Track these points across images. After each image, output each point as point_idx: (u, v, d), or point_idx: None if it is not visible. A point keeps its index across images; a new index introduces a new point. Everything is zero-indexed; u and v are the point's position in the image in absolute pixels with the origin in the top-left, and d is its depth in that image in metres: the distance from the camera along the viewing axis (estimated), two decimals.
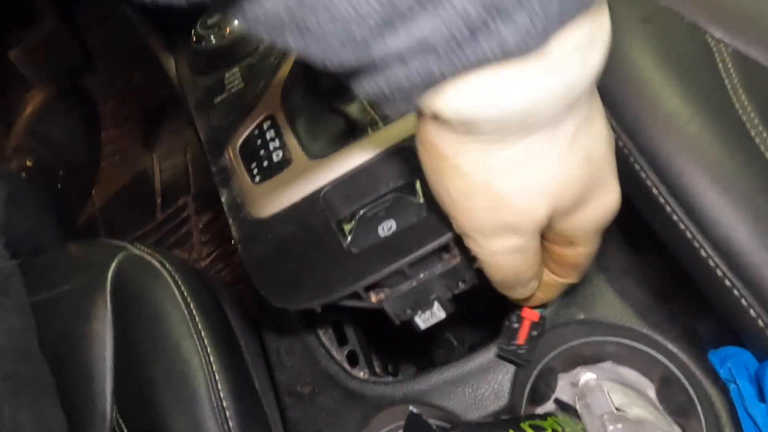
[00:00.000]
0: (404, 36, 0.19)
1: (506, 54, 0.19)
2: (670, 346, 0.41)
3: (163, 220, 1.11)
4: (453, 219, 0.27)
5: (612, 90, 0.42)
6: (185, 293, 0.47)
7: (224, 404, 0.42)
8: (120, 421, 0.47)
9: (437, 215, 0.35)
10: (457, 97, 0.21)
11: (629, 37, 0.43)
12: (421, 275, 0.35)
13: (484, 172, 0.24)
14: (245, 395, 0.44)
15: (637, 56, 0.42)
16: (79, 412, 0.49)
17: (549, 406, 0.46)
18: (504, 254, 0.28)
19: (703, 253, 0.37)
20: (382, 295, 0.35)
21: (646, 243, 0.44)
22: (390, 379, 0.44)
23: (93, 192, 1.15)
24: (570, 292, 0.43)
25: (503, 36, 0.19)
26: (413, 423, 0.36)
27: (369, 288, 0.35)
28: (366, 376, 0.45)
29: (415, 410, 0.36)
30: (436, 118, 0.22)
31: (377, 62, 0.20)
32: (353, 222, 0.37)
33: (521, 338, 0.39)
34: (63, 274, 0.54)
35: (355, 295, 0.34)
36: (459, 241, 0.35)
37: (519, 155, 0.23)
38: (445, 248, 0.34)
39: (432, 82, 0.20)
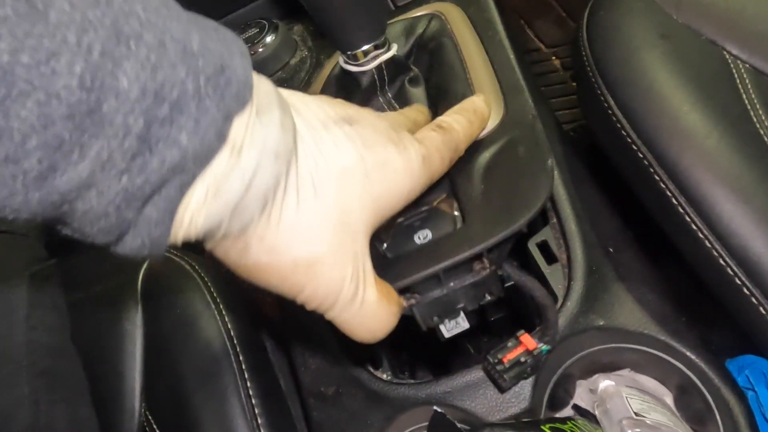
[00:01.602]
0: (79, 169, 0.19)
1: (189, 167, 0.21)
2: (689, 353, 0.42)
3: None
4: (301, 301, 0.28)
5: (632, 104, 0.43)
6: (215, 294, 0.49)
7: (253, 402, 0.43)
8: (149, 417, 0.49)
9: (472, 226, 0.36)
10: (201, 208, 0.22)
11: (649, 53, 0.45)
12: (452, 284, 0.36)
13: (276, 254, 0.25)
14: (273, 394, 0.46)
15: (657, 72, 0.44)
16: (108, 409, 0.51)
17: (567, 411, 0.47)
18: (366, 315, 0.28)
19: (721, 261, 0.38)
20: (413, 301, 0.36)
21: (665, 252, 0.45)
22: (412, 381, 0.45)
23: None
24: (590, 299, 0.44)
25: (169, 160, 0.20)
26: (437, 422, 0.37)
27: (402, 292, 0.36)
28: (389, 378, 0.46)
29: (439, 410, 0.37)
30: (206, 242, 0.24)
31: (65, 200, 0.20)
32: (390, 230, 0.39)
33: (507, 357, 0.40)
34: (96, 275, 0.56)
35: None
36: (490, 253, 0.36)
37: (292, 210, 0.24)
38: (477, 258, 0.36)
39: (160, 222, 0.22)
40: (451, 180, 0.39)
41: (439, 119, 0.35)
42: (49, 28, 0.17)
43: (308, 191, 0.25)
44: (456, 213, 0.38)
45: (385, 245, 0.38)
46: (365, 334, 0.30)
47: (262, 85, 0.24)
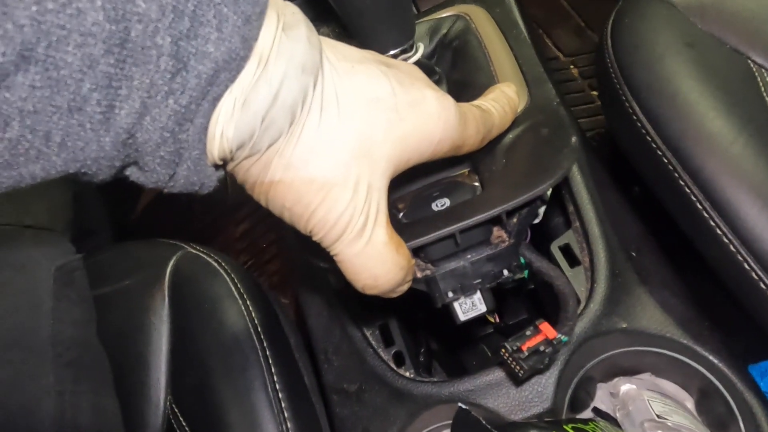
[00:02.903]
0: (131, 99, 0.20)
1: (217, 71, 0.21)
2: (711, 357, 0.42)
3: (200, 228, 1.15)
4: (310, 229, 0.27)
5: (657, 110, 0.44)
6: (242, 290, 0.50)
7: (280, 396, 0.44)
8: (175, 409, 0.49)
9: (492, 192, 0.36)
10: (230, 120, 0.22)
11: (674, 60, 0.45)
12: (469, 255, 0.35)
13: (292, 170, 0.25)
14: (298, 389, 0.46)
15: (682, 79, 0.44)
16: (133, 401, 0.52)
17: (587, 414, 0.47)
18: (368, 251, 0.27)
19: (746, 266, 0.39)
20: (427, 272, 0.36)
21: (688, 256, 0.45)
22: (436, 379, 0.45)
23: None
24: (612, 302, 0.45)
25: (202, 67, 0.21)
26: (462, 419, 0.37)
27: (417, 255, 0.35)
28: (412, 375, 0.46)
29: (464, 406, 0.37)
30: (233, 160, 0.24)
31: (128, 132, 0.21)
32: (407, 199, 0.38)
33: (526, 345, 0.39)
34: (123, 270, 0.57)
35: None
36: (509, 218, 0.36)
37: (317, 126, 0.25)
38: (496, 225, 0.35)
39: (189, 129, 0.22)
40: (472, 157, 0.38)
41: (477, 101, 0.35)
42: None
43: (332, 111, 0.25)
44: (476, 183, 0.38)
45: (401, 213, 0.37)
46: (367, 278, 0.28)
47: (288, 6, 0.24)
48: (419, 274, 0.36)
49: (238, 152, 0.24)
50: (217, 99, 0.22)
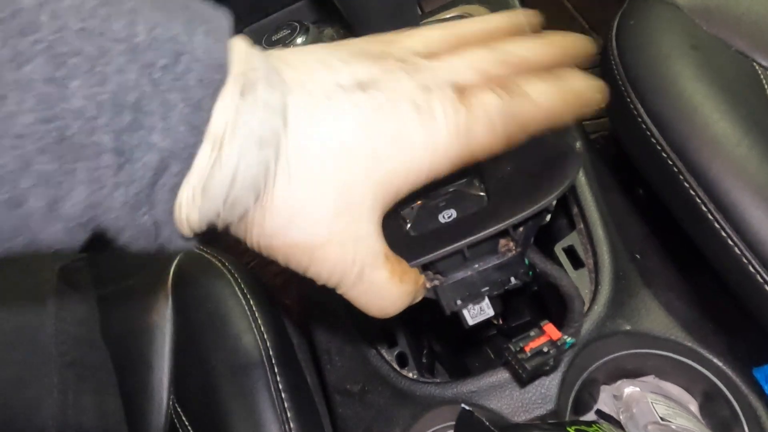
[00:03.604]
0: (76, 195, 0.19)
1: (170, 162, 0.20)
2: (715, 360, 0.42)
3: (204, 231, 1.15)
4: (309, 277, 0.26)
5: (663, 112, 0.44)
6: (245, 290, 0.50)
7: (283, 396, 0.44)
8: (178, 409, 0.49)
9: (498, 204, 0.36)
10: (192, 205, 0.21)
11: (679, 63, 0.45)
12: (476, 265, 0.36)
13: (272, 238, 0.24)
14: (301, 390, 0.46)
15: (687, 81, 0.44)
16: (136, 400, 0.52)
17: (591, 416, 0.47)
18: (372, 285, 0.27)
19: (751, 268, 0.39)
20: (436, 282, 0.36)
21: (692, 258, 0.45)
22: (439, 380, 0.45)
23: None
24: (616, 304, 0.45)
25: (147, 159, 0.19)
26: (465, 420, 0.37)
27: (426, 270, 0.35)
28: (415, 376, 0.46)
29: (467, 407, 0.37)
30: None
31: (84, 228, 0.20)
32: (413, 210, 0.38)
33: (529, 346, 0.39)
34: (126, 270, 0.57)
35: None
36: (516, 231, 0.36)
37: (287, 197, 0.23)
38: (503, 236, 0.35)
39: (156, 223, 0.21)
40: (477, 164, 0.38)
41: (516, 72, 0.27)
42: None
43: (300, 173, 0.23)
44: (482, 193, 0.38)
45: (408, 225, 0.38)
46: (375, 311, 0.28)
47: (251, 59, 0.22)
48: (428, 284, 0.36)
49: (210, 226, 0.23)
50: (175, 188, 0.21)
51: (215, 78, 0.20)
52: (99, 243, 0.21)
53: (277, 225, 0.23)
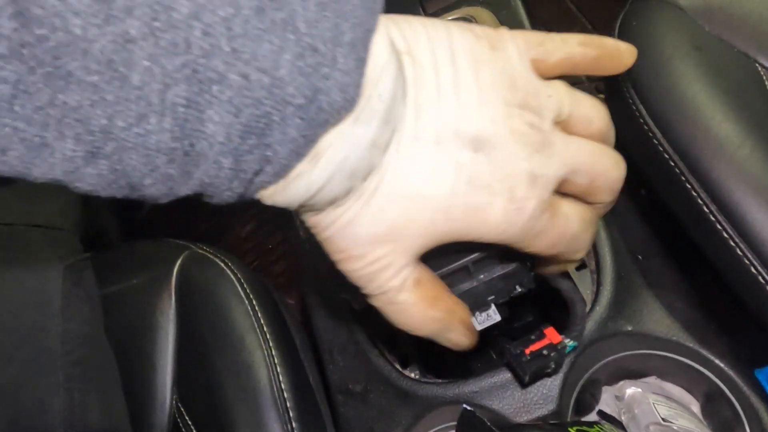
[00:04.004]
0: (190, 186, 0.21)
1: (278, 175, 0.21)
2: (717, 361, 0.42)
3: (207, 228, 1.15)
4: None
5: (665, 113, 0.44)
6: (248, 290, 0.50)
7: (285, 396, 0.44)
8: (181, 408, 0.50)
9: None
10: (269, 197, 0.23)
11: (681, 64, 0.45)
12: (481, 276, 0.36)
13: (326, 231, 0.25)
14: (304, 389, 0.47)
15: (689, 82, 0.44)
16: (140, 399, 0.52)
17: (592, 417, 0.47)
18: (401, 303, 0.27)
19: (753, 270, 0.39)
20: None
21: (694, 259, 0.45)
22: (441, 380, 0.46)
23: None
24: (618, 304, 0.45)
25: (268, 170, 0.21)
26: (467, 419, 0.37)
27: None
28: (417, 376, 0.47)
29: (468, 407, 0.37)
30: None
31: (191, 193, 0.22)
32: None
33: (529, 349, 0.39)
34: (130, 269, 0.57)
35: None
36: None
37: (344, 214, 0.24)
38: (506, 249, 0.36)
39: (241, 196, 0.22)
40: None
41: (586, 207, 0.28)
42: (133, 92, 0.18)
43: (366, 203, 0.24)
44: None
45: None
46: (401, 326, 0.29)
47: (383, 78, 0.22)
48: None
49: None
50: (263, 186, 0.22)
51: (340, 118, 0.21)
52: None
53: (329, 225, 0.24)
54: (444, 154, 0.23)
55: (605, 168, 0.27)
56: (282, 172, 0.21)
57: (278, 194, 0.23)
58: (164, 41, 0.17)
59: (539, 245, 0.26)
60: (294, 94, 0.19)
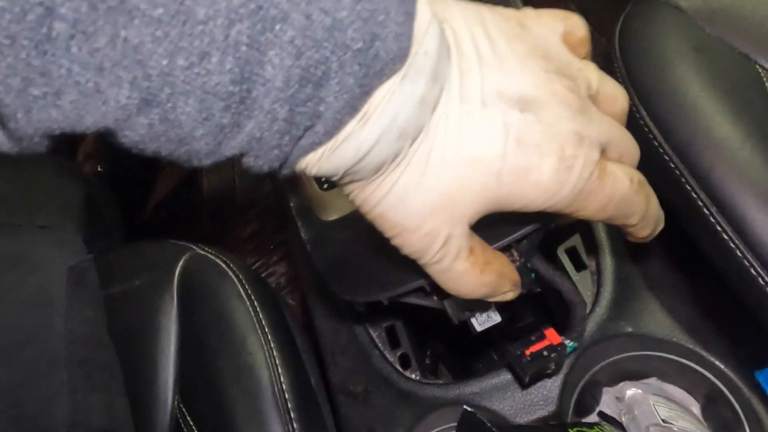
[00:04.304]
0: (238, 141, 0.21)
1: (329, 134, 0.21)
2: (717, 362, 0.42)
3: (209, 229, 1.16)
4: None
5: (665, 115, 0.44)
6: (249, 291, 0.50)
7: (286, 396, 0.44)
8: (183, 409, 0.50)
9: (500, 220, 0.36)
10: (315, 164, 0.23)
11: (682, 65, 0.45)
12: None
13: (372, 209, 0.25)
14: (305, 390, 0.47)
15: (690, 84, 0.44)
16: (142, 399, 0.52)
17: (593, 418, 0.47)
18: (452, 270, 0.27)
19: (753, 271, 0.39)
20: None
21: (694, 261, 0.45)
22: (441, 381, 0.46)
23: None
24: (618, 305, 0.45)
25: (317, 127, 0.21)
26: (467, 421, 0.37)
27: (434, 286, 0.37)
28: (418, 377, 0.47)
29: (469, 409, 0.37)
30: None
31: (233, 157, 0.22)
32: None
33: (530, 350, 0.40)
34: (133, 270, 0.57)
35: (421, 290, 0.36)
36: (519, 245, 0.36)
37: (396, 185, 0.24)
38: (506, 250, 0.36)
39: (284, 163, 0.22)
40: None
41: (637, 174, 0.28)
42: (197, 28, 0.18)
43: (418, 169, 0.23)
44: None
45: None
46: (452, 291, 0.28)
47: (429, 39, 0.22)
48: (437, 299, 0.37)
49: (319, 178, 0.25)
50: (311, 148, 0.22)
51: (394, 69, 0.21)
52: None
53: (380, 199, 0.24)
54: (492, 116, 0.23)
55: (632, 145, 0.28)
56: (333, 129, 0.21)
57: (325, 159, 0.22)
58: None
59: (590, 208, 0.26)
60: (354, 38, 0.20)
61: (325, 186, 0.45)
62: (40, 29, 0.16)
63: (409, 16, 0.21)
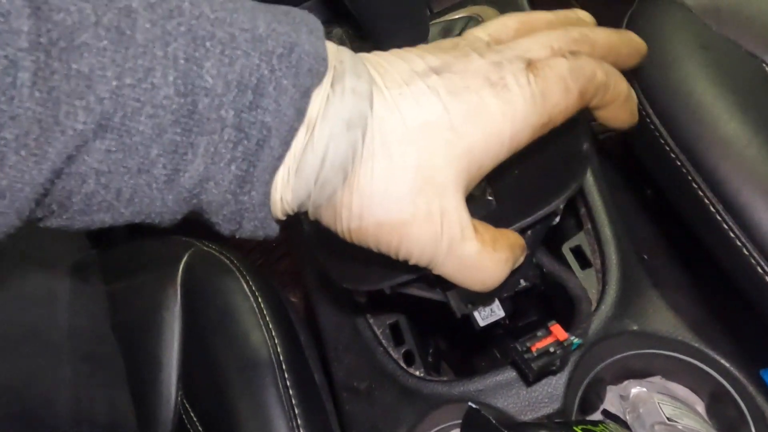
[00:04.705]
0: (195, 166, 0.22)
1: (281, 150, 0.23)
2: (722, 361, 0.42)
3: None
4: (400, 259, 0.27)
5: (672, 112, 0.44)
6: (253, 287, 0.50)
7: (290, 393, 0.44)
8: (186, 404, 0.50)
9: (505, 208, 0.36)
10: (287, 185, 0.24)
11: (688, 63, 0.45)
12: None
13: (360, 218, 0.25)
14: (308, 386, 0.47)
15: (696, 82, 0.44)
16: (145, 395, 0.52)
17: (597, 416, 0.47)
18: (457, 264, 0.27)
19: (759, 270, 0.39)
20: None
21: (700, 259, 0.45)
22: (445, 378, 0.46)
23: None
24: (623, 303, 0.45)
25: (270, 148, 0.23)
26: (472, 418, 0.37)
27: (437, 276, 0.36)
28: (422, 374, 0.47)
29: (474, 405, 0.37)
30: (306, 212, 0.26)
31: (193, 195, 0.23)
32: None
33: (536, 346, 0.39)
34: (137, 266, 0.57)
35: (424, 279, 0.36)
36: (523, 234, 0.36)
37: (372, 180, 0.24)
38: None
39: (251, 187, 0.23)
40: None
41: (577, 34, 0.28)
42: (139, 50, 0.20)
43: (384, 154, 0.24)
44: (489, 198, 0.38)
45: None
46: (477, 286, 0.28)
47: (340, 54, 0.25)
48: (438, 290, 0.37)
49: (301, 208, 0.25)
50: (274, 169, 0.23)
51: (320, 69, 0.23)
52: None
53: (364, 205, 0.25)
54: (417, 87, 0.25)
55: (576, 33, 0.28)
56: (287, 136, 0.23)
57: (294, 175, 0.23)
58: (161, 9, 0.21)
59: (561, 103, 0.26)
60: (274, 46, 0.22)
61: None
62: (5, 78, 0.18)
63: (319, 38, 0.24)
